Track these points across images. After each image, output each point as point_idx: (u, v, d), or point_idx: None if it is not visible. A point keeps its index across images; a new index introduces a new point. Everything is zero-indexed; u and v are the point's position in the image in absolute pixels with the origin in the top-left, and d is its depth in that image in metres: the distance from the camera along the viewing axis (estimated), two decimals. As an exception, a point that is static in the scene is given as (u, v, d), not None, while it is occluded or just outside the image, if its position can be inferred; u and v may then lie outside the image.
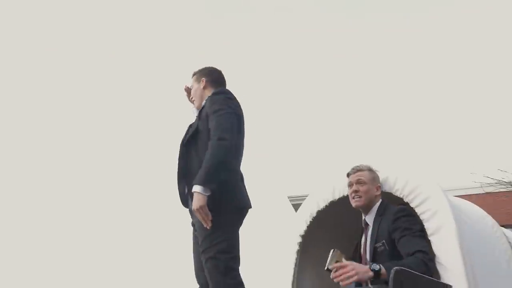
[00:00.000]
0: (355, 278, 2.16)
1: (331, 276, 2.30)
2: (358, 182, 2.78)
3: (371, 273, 2.21)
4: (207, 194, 2.26)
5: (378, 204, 2.77)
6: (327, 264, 2.63)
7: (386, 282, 2.10)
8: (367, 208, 2.78)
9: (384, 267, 2.22)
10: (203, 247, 2.33)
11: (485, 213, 3.31)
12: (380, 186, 2.83)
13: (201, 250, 2.35)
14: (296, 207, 15.88)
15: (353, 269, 2.18)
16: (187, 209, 2.57)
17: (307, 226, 3.21)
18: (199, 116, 2.63)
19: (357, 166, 2.86)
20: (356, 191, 2.77)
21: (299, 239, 3.23)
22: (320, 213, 3.17)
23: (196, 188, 2.27)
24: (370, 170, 2.85)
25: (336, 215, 3.13)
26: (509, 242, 3.05)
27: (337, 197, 3.09)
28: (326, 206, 3.14)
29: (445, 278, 2.38)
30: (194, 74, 2.85)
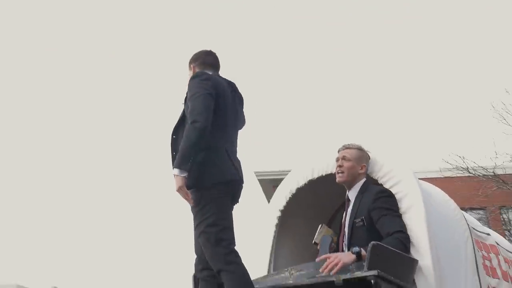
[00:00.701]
0: (340, 264, 2.34)
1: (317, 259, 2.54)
2: (343, 158, 2.96)
3: (353, 256, 2.40)
4: (184, 175, 2.43)
5: (361, 182, 2.95)
6: (314, 238, 2.86)
7: None
8: (350, 185, 2.96)
9: (364, 249, 2.39)
10: (195, 222, 2.52)
11: (447, 196, 3.57)
12: (365, 166, 3.00)
13: (194, 226, 2.54)
14: (262, 182, 16.19)
15: (336, 257, 2.39)
16: None
17: (286, 202, 3.43)
18: (184, 104, 2.73)
19: (348, 144, 3.03)
20: (340, 166, 2.96)
21: (278, 214, 3.45)
22: (299, 191, 3.38)
23: (174, 171, 2.45)
24: (359, 149, 3.02)
25: (314, 193, 3.36)
26: (468, 225, 3.34)
27: (316, 176, 3.30)
28: (305, 184, 3.35)
29: (412, 252, 2.62)
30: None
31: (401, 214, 2.73)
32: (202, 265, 2.62)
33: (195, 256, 2.69)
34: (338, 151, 3.04)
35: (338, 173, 2.97)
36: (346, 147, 3.01)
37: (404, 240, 2.58)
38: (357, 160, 2.97)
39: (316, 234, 2.94)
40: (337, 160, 3.00)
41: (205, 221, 2.47)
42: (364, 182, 2.96)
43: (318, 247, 2.93)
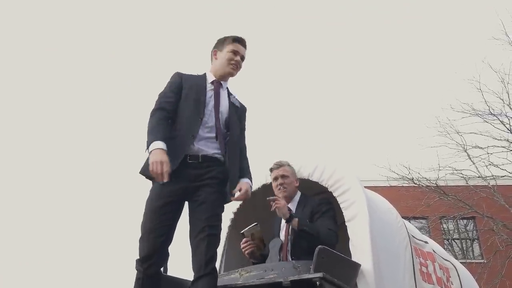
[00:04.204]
0: (274, 205, 2.93)
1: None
2: (283, 176, 3.24)
3: (288, 215, 2.95)
4: None
5: (299, 195, 3.27)
6: (243, 230, 3.03)
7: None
8: (290, 197, 3.24)
9: (299, 220, 2.95)
10: (212, 222, 2.46)
11: (391, 205, 3.80)
12: (298, 179, 3.31)
13: (206, 224, 2.43)
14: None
15: (281, 203, 2.96)
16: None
17: (240, 205, 3.55)
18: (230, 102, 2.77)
19: (279, 162, 3.32)
20: (282, 183, 3.23)
21: (231, 215, 3.56)
22: (253, 194, 3.49)
23: (250, 182, 2.76)
24: (289, 165, 3.34)
25: (266, 197, 3.48)
26: (408, 233, 3.56)
27: (269, 181, 3.44)
28: (259, 188, 3.49)
29: (355, 257, 2.81)
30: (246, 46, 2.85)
31: (335, 219, 3.09)
32: (153, 261, 2.48)
33: (147, 250, 2.48)
34: (271, 170, 3.30)
35: (280, 189, 3.24)
36: (280, 165, 3.30)
37: (334, 236, 2.97)
38: (293, 175, 3.30)
39: (248, 228, 3.08)
40: (276, 178, 3.26)
41: (220, 227, 2.51)
42: (302, 195, 3.28)
43: (246, 239, 3.10)
